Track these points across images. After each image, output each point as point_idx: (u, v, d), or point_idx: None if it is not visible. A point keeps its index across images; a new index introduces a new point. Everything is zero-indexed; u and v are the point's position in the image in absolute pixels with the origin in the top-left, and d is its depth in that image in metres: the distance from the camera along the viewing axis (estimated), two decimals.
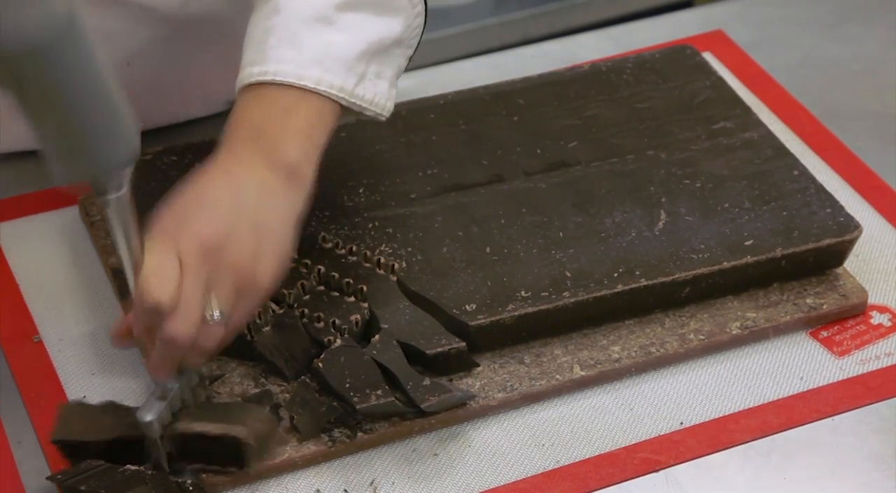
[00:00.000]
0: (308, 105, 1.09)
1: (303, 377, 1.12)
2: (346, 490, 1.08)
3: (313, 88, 1.08)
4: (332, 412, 1.10)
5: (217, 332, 1.03)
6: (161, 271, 1.00)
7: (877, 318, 1.21)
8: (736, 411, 1.14)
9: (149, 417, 1.04)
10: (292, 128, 1.08)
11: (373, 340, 1.13)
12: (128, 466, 1.07)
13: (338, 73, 1.09)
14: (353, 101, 1.10)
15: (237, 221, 1.03)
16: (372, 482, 1.09)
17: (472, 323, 1.13)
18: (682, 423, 1.13)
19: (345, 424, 1.10)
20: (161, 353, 1.03)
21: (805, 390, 1.16)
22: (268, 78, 1.08)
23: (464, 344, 1.13)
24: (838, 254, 1.21)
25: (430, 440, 1.12)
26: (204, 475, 1.07)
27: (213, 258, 1.01)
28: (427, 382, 1.11)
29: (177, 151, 1.27)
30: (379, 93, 1.12)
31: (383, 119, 1.14)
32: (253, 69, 1.09)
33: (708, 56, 1.44)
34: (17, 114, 1.32)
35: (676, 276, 1.17)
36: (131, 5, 1.25)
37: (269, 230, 1.05)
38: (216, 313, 1.02)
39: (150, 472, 1.07)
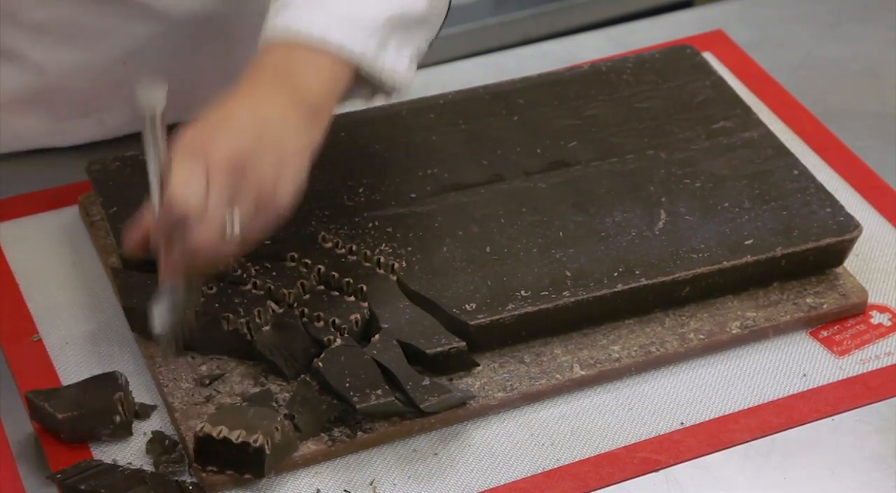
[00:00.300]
0: (330, 60, 1.11)
1: (303, 376, 1.12)
2: (346, 490, 1.08)
3: (336, 47, 1.10)
4: (332, 410, 1.10)
5: (232, 242, 1.07)
6: (190, 183, 1.04)
7: (877, 317, 1.21)
8: (736, 410, 1.14)
9: (159, 329, 1.10)
10: (313, 75, 1.10)
11: (373, 339, 1.13)
12: (128, 464, 1.08)
13: (358, 38, 1.11)
14: (373, 65, 1.12)
15: (262, 143, 1.06)
16: (372, 482, 1.09)
17: (472, 322, 1.13)
18: (682, 423, 1.13)
19: (345, 423, 1.10)
20: (178, 259, 1.07)
21: (805, 389, 1.16)
22: (291, 34, 1.10)
23: (464, 344, 1.13)
24: (838, 253, 1.21)
25: (430, 440, 1.12)
26: (203, 475, 1.07)
27: (239, 175, 1.05)
28: (427, 382, 1.11)
29: None
30: (399, 64, 1.14)
31: (398, 94, 1.15)
32: (276, 26, 1.11)
33: (708, 56, 1.44)
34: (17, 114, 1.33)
35: (676, 275, 1.17)
36: (128, 2, 1.25)
37: (290, 156, 1.08)
38: (235, 226, 1.06)
39: (149, 472, 1.07)
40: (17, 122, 1.32)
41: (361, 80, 1.13)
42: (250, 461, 1.06)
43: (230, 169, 1.04)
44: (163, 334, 1.10)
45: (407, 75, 1.15)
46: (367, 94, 1.16)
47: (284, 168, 1.07)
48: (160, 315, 1.09)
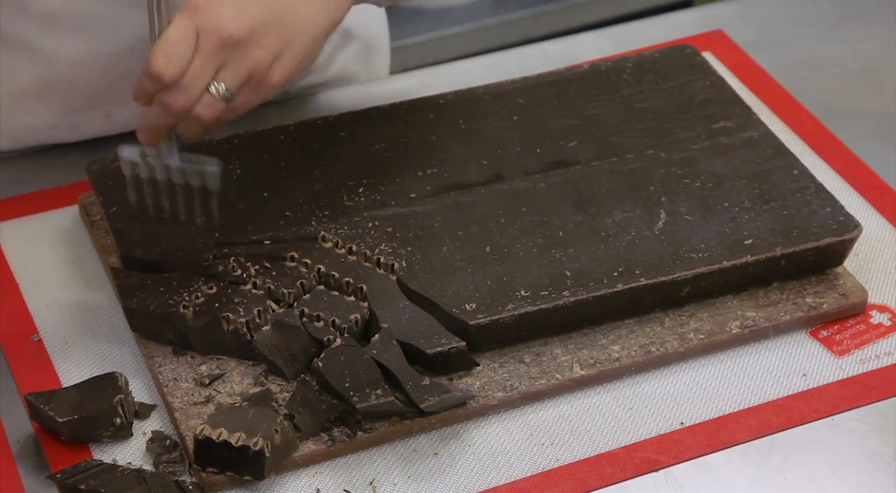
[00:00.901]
0: None
1: (303, 376, 1.12)
2: (346, 490, 1.08)
3: None
4: (332, 410, 1.10)
5: (217, 106, 1.06)
6: (174, 46, 1.03)
7: (877, 317, 1.21)
8: (736, 410, 1.14)
9: (124, 154, 1.12)
10: None
11: (373, 339, 1.13)
12: (128, 464, 1.08)
13: None
14: None
15: (270, 22, 1.05)
16: (372, 482, 1.09)
17: (472, 322, 1.13)
18: (682, 422, 1.13)
19: (345, 423, 1.10)
20: (153, 116, 1.07)
21: (805, 389, 1.16)
22: None
23: (464, 343, 1.13)
24: (838, 253, 1.21)
25: (430, 440, 1.12)
26: (203, 475, 1.07)
27: (232, 50, 1.04)
28: (427, 381, 1.11)
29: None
30: None
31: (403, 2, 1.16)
32: None
33: (708, 56, 1.44)
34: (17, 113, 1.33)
35: (676, 275, 1.17)
36: None
37: (299, 38, 1.07)
38: (221, 90, 1.05)
39: (149, 472, 1.07)
40: (26, 114, 1.32)
41: None
42: (250, 464, 1.06)
43: (223, 44, 1.04)
44: (123, 163, 1.12)
45: None
46: None
47: (288, 50, 1.06)
48: (125, 156, 1.11)
